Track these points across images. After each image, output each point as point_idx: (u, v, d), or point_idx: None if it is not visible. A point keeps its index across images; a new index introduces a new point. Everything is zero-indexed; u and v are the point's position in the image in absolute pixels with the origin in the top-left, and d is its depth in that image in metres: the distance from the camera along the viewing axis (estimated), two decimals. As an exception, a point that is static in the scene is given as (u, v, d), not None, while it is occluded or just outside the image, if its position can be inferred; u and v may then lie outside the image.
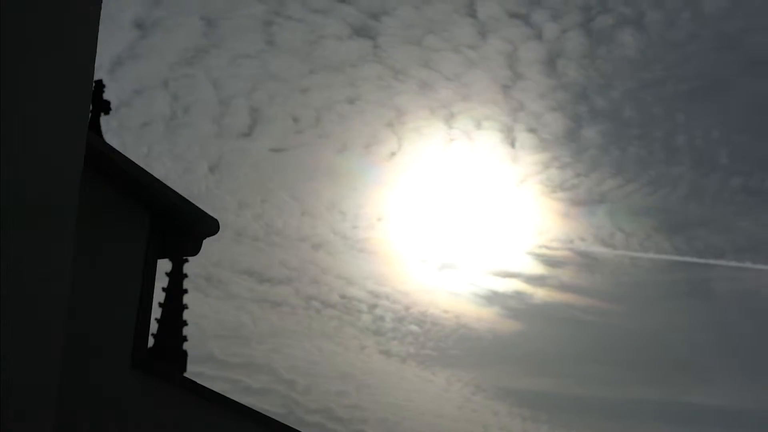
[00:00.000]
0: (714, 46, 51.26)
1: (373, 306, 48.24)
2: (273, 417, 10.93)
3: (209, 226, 10.27)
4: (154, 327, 39.61)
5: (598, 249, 49.46)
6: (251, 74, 51.49)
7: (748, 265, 49.02)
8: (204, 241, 10.52)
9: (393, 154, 49.04)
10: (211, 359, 39.84)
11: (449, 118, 49.42)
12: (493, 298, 54.11)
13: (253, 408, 10.67)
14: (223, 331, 38.89)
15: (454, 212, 49.86)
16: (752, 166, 53.23)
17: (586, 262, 49.83)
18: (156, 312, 40.54)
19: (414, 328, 48.89)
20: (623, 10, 49.04)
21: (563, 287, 50.68)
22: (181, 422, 10.00)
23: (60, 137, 5.28)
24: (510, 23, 48.49)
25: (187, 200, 10.02)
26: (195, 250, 10.55)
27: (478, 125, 48.33)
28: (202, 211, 10.13)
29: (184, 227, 10.15)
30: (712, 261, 49.48)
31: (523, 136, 49.42)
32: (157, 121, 48.65)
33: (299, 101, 50.10)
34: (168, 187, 9.87)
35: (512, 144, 48.65)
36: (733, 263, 49.52)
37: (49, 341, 5.13)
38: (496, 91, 48.10)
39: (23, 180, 5.01)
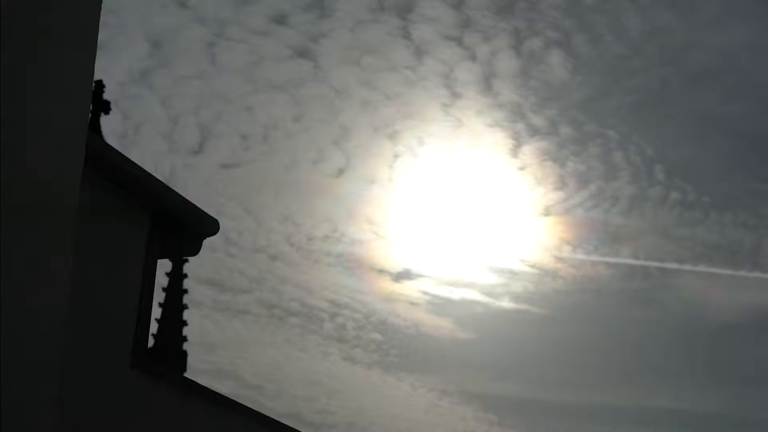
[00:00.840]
0: (651, 63, 54.04)
1: (334, 315, 50.55)
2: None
3: (209, 226, 10.27)
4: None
5: (547, 260, 51.69)
6: (198, 93, 54.12)
7: (702, 268, 50.71)
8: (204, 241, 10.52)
9: (341, 170, 51.62)
10: (180, 366, 40.66)
11: (393, 136, 52.27)
12: (449, 308, 56.64)
13: (253, 408, 10.68)
14: (190, 338, 39.92)
15: (406, 225, 52.49)
16: (688, 181, 55.20)
17: (536, 272, 51.93)
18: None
19: (376, 336, 51.82)
20: (551, 34, 51.27)
21: (517, 297, 53.36)
22: (181, 422, 10.00)
23: (60, 137, 5.28)
24: (444, 45, 50.29)
25: (187, 200, 10.02)
26: (195, 250, 10.55)
27: (421, 142, 50.90)
28: (202, 211, 10.13)
29: (184, 227, 10.15)
30: (668, 265, 51.16)
31: (466, 153, 51.39)
32: (109, 139, 49.76)
33: (246, 119, 52.47)
34: (168, 187, 9.87)
35: (456, 160, 50.87)
36: (687, 267, 51.30)
37: (49, 341, 5.13)
38: (437, 110, 50.11)
39: (23, 180, 5.01)
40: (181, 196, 9.93)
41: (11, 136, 4.94)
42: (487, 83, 51.78)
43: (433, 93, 49.54)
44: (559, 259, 50.75)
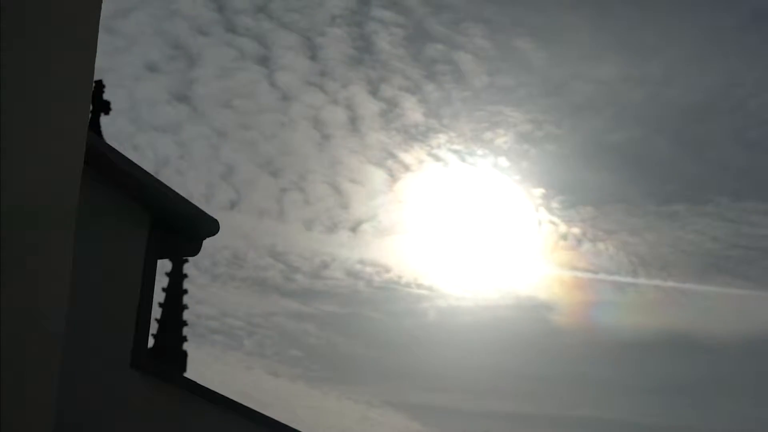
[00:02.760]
0: (521, 99, 55.71)
1: (251, 333, 54.24)
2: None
3: (209, 226, 10.27)
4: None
5: (449, 281, 55.72)
6: (90, 132, 56.97)
7: (602, 276, 52.44)
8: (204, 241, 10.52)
9: (233, 203, 54.62)
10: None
11: (277, 172, 55.85)
12: (357, 326, 59.17)
13: (253, 408, 10.67)
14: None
15: (303, 251, 55.55)
16: (562, 216, 57.37)
17: (434, 294, 54.32)
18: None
19: (296, 352, 55.07)
20: (400, 82, 53.60)
21: (419, 314, 54.85)
22: (181, 422, 10.00)
23: (60, 137, 5.29)
24: (307, 90, 52.55)
25: (187, 200, 10.02)
26: (195, 251, 10.55)
27: (304, 178, 54.73)
28: (202, 211, 10.13)
29: (184, 227, 10.15)
30: (579, 275, 52.83)
31: (347, 187, 54.57)
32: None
33: (134, 158, 54.37)
34: (168, 187, 9.87)
35: (340, 193, 53.67)
36: (601, 275, 52.84)
37: (49, 341, 5.13)
38: (312, 147, 53.00)
39: (23, 180, 5.01)
40: (181, 196, 9.93)
41: (11, 136, 4.94)
42: (354, 125, 54.81)
43: (306, 134, 52.55)
44: (458, 279, 53.83)
